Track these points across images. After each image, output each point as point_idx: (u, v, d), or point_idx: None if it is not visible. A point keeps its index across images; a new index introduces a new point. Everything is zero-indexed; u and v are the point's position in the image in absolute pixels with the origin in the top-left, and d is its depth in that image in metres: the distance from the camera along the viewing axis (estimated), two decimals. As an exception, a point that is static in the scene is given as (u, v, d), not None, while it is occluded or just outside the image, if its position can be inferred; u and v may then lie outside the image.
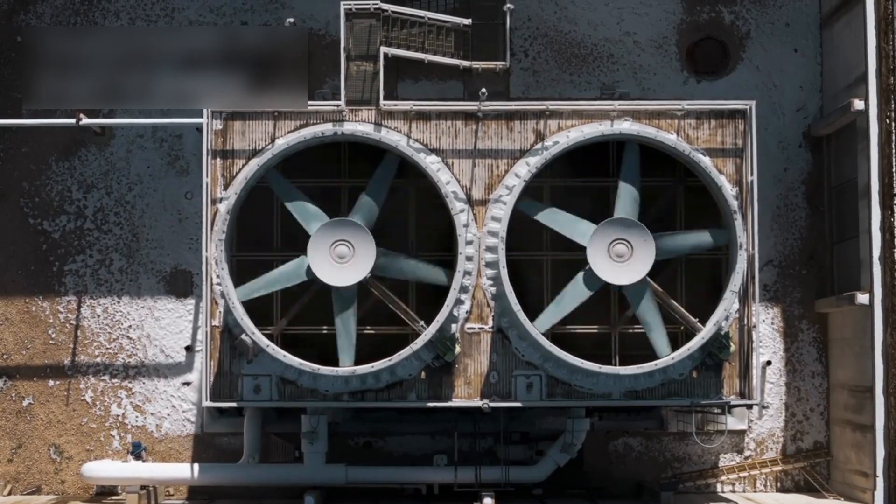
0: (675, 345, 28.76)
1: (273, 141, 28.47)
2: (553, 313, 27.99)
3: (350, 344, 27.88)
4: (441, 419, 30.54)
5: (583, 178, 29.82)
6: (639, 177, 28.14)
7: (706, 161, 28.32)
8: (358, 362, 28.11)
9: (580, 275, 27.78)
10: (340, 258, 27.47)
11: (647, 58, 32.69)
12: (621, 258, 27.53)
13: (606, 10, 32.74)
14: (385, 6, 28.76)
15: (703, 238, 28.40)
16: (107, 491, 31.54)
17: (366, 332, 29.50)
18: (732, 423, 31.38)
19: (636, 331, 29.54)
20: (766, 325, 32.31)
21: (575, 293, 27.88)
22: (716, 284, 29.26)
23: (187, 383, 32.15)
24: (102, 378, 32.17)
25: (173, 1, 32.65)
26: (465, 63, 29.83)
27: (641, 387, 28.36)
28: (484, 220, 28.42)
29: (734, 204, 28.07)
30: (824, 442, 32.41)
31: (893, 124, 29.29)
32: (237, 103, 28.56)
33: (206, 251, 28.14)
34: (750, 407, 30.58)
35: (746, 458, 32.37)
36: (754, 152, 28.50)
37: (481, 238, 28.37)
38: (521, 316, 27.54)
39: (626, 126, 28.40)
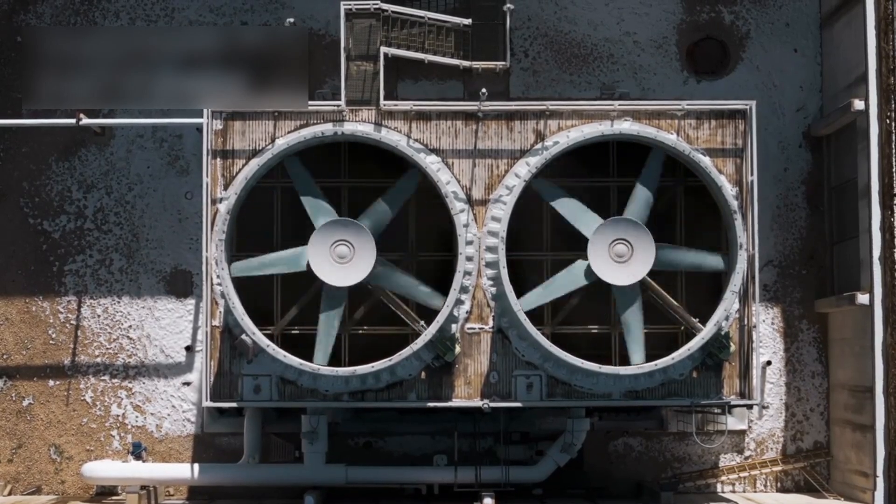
0: (675, 345, 28.81)
1: (273, 141, 28.47)
2: (540, 295, 28.02)
3: (328, 343, 27.83)
4: (441, 419, 30.55)
5: (583, 178, 29.80)
6: (657, 183, 28.17)
7: (706, 161, 28.33)
8: (357, 362, 28.13)
9: (578, 262, 27.74)
10: (341, 258, 27.47)
11: (647, 58, 32.70)
12: (621, 258, 27.54)
13: (606, 10, 32.75)
14: (385, 6, 28.77)
15: (703, 259, 28.34)
16: (107, 491, 31.55)
17: (366, 332, 29.53)
18: (732, 423, 31.39)
19: (636, 331, 29.60)
20: (766, 325, 32.31)
21: (567, 279, 27.86)
22: (716, 284, 29.25)
23: (187, 383, 32.16)
24: (102, 378, 32.17)
25: (173, 1, 32.65)
26: (465, 63, 29.84)
27: (641, 387, 28.37)
28: (484, 220, 28.42)
29: (734, 204, 28.08)
30: (824, 442, 32.42)
31: (893, 124, 29.29)
32: (237, 103, 28.57)
33: (206, 251, 28.14)
34: (750, 407, 30.58)
35: (746, 458, 32.38)
36: (754, 152, 28.51)
37: (481, 238, 28.37)
38: (522, 316, 27.54)
39: (626, 126, 28.41)
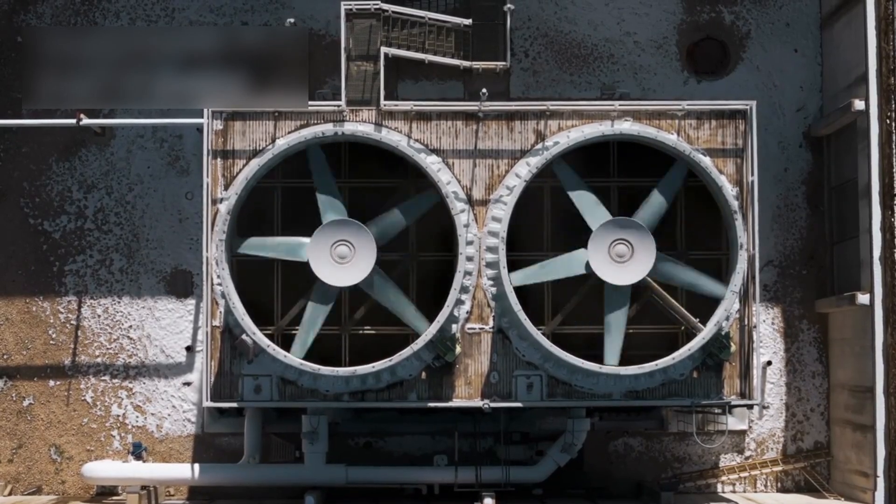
0: (676, 345, 28.81)
1: (274, 141, 28.47)
2: (535, 273, 28.09)
3: (309, 338, 27.78)
4: (441, 419, 30.54)
5: (583, 178, 29.74)
6: (674, 194, 28.22)
7: (706, 161, 28.34)
8: (357, 362, 28.13)
9: (579, 251, 27.72)
10: (340, 258, 27.47)
11: (648, 58, 32.70)
12: (621, 258, 27.55)
13: (606, 10, 32.75)
14: (385, 6, 28.77)
15: (700, 281, 28.24)
16: (107, 491, 31.55)
17: (366, 332, 29.53)
18: (733, 423, 31.40)
19: (636, 331, 29.54)
20: (767, 326, 32.32)
21: (564, 264, 27.90)
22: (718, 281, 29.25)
23: (188, 383, 32.15)
24: (103, 378, 32.17)
25: (173, 1, 32.65)
26: (466, 63, 29.85)
27: (642, 387, 28.37)
28: (484, 220, 28.43)
29: (734, 204, 28.09)
30: (825, 442, 32.42)
31: (894, 124, 29.29)
32: (237, 103, 28.56)
33: (207, 251, 28.14)
34: (750, 407, 30.56)
35: (747, 458, 32.38)
36: (755, 152, 28.52)
37: (482, 238, 28.38)
38: (522, 316, 27.55)
39: (627, 126, 28.42)
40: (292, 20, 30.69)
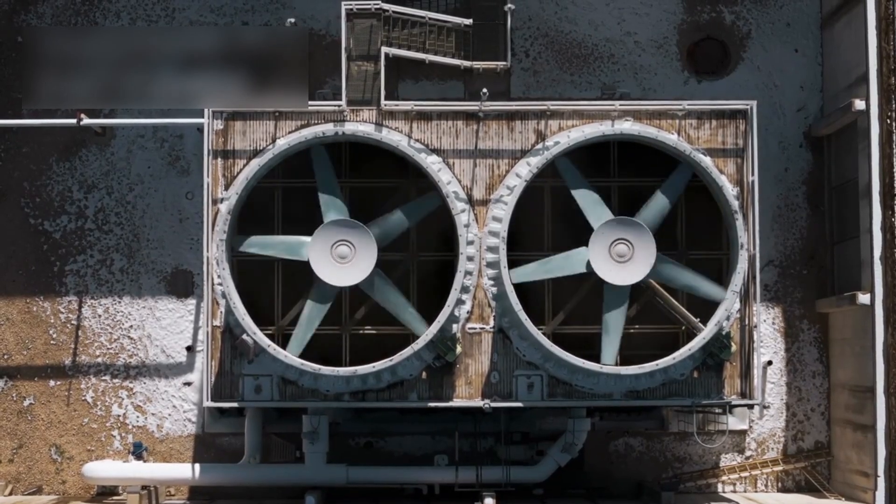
0: (676, 345, 28.81)
1: (274, 141, 28.47)
2: (535, 270, 28.12)
3: (306, 336, 27.80)
4: (442, 419, 30.54)
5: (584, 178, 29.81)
6: (678, 196, 28.23)
7: (707, 161, 28.34)
8: (358, 362, 28.13)
9: (580, 250, 27.72)
10: (341, 258, 27.47)
11: (648, 58, 32.70)
12: (621, 258, 27.55)
13: (607, 10, 32.75)
14: (386, 6, 28.77)
15: (699, 284, 28.22)
16: (108, 491, 31.54)
17: (366, 331, 29.53)
18: (733, 423, 31.41)
19: (637, 331, 29.58)
20: (767, 325, 32.32)
21: (565, 263, 27.94)
22: (717, 284, 29.25)
23: (188, 383, 32.15)
24: (103, 378, 32.17)
25: (174, 1, 32.65)
26: (466, 63, 29.85)
27: (642, 387, 28.37)
28: (485, 220, 28.43)
29: (735, 204, 28.09)
30: (825, 442, 32.42)
31: (894, 124, 29.29)
32: (237, 103, 28.56)
33: (207, 251, 28.14)
34: (751, 407, 30.55)
35: (747, 458, 32.38)
36: (755, 152, 28.52)
37: (482, 238, 28.37)
38: (523, 316, 27.55)
39: (627, 126, 28.42)
40: (293, 20, 30.70)
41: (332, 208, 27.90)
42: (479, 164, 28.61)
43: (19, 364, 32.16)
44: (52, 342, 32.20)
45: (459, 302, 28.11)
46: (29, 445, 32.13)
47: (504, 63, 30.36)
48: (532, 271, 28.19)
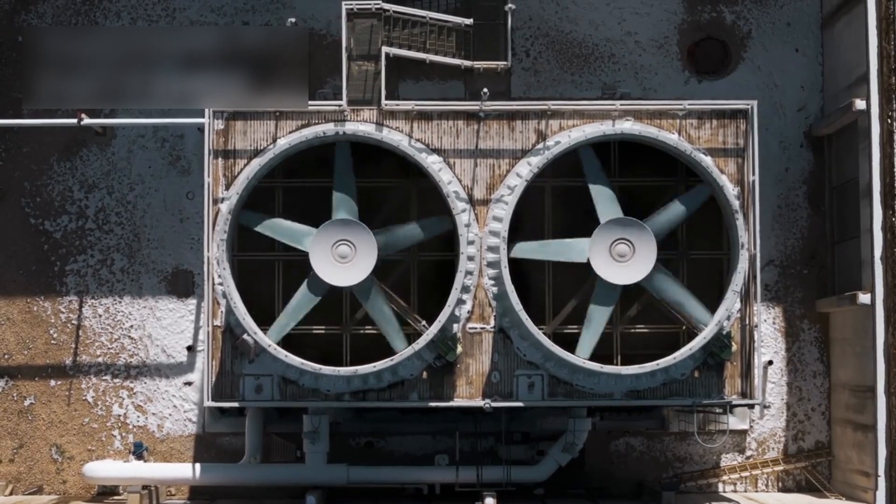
0: (676, 345, 28.81)
1: (275, 141, 28.48)
2: (534, 250, 28.21)
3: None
4: (442, 419, 30.55)
5: (583, 177, 29.77)
6: (694, 210, 28.23)
7: (708, 161, 28.34)
8: (358, 362, 28.14)
9: (581, 240, 27.72)
10: (341, 258, 27.47)
11: (649, 58, 32.70)
12: (622, 258, 27.54)
13: (607, 9, 32.75)
14: (386, 6, 28.77)
15: (687, 302, 28.06)
16: (108, 491, 31.54)
17: (367, 331, 29.53)
18: (734, 422, 31.42)
19: (638, 331, 29.59)
20: (768, 325, 32.32)
21: (563, 249, 28.00)
22: (717, 284, 29.25)
23: (189, 383, 32.15)
24: (104, 378, 32.17)
25: (174, 1, 32.65)
26: (467, 63, 29.85)
27: (643, 386, 28.37)
28: (486, 219, 28.43)
29: (736, 204, 28.09)
30: (826, 442, 32.42)
31: (895, 124, 29.30)
32: (238, 103, 28.56)
33: (208, 251, 28.14)
34: (751, 407, 30.55)
35: (748, 457, 32.38)
36: (756, 152, 28.52)
37: (483, 238, 28.38)
38: (523, 315, 27.55)
39: (628, 126, 28.42)
40: (293, 20, 30.70)
41: (344, 207, 27.88)
42: (480, 164, 28.61)
43: (20, 364, 32.17)
44: (52, 342, 32.20)
45: (460, 302, 28.11)
46: (29, 445, 32.13)
47: (504, 63, 30.36)
48: (531, 249, 28.16)
